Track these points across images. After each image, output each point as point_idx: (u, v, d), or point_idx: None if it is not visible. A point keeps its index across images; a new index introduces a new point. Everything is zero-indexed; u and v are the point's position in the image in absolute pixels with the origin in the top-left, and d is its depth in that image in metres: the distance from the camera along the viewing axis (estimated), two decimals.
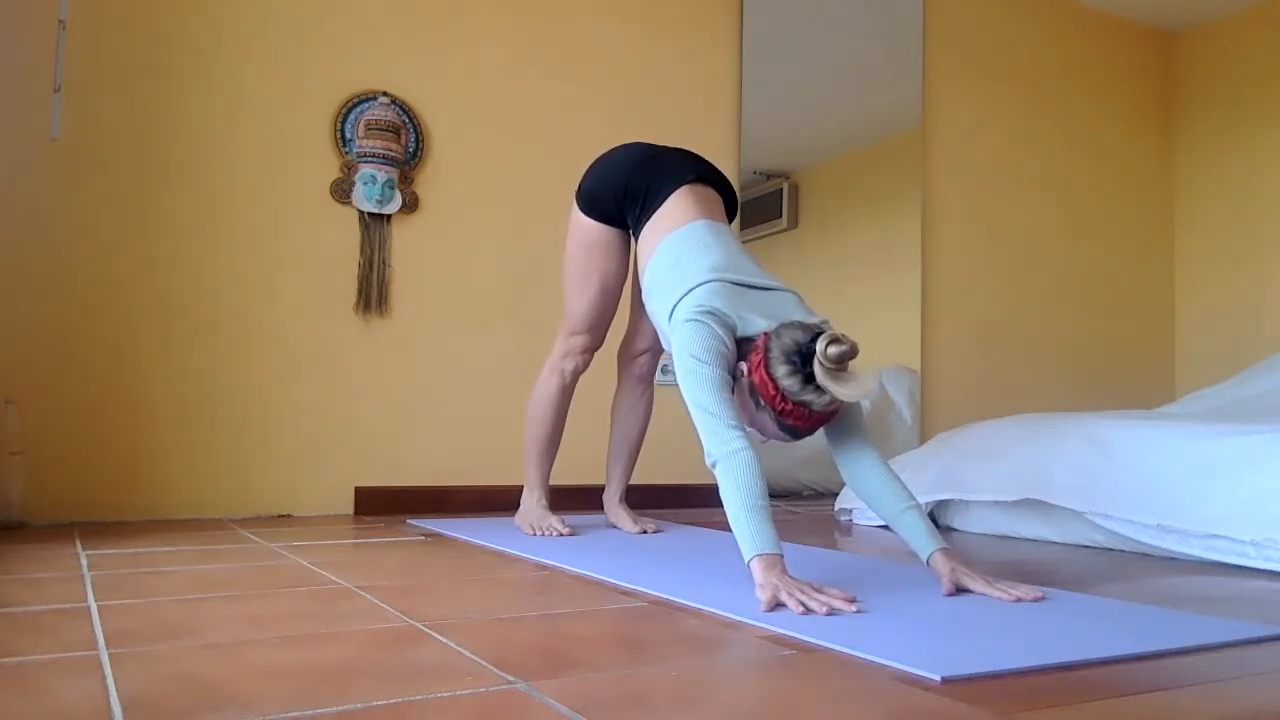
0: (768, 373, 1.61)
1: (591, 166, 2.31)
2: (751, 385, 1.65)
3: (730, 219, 2.26)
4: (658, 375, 2.58)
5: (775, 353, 1.61)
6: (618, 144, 2.36)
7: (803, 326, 1.64)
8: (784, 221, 3.69)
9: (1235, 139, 4.38)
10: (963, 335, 4.01)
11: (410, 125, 3.03)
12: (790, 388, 1.59)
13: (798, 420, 1.62)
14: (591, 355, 2.45)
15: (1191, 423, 2.35)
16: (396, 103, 3.01)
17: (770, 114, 3.63)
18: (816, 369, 1.55)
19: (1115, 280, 4.43)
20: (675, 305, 1.83)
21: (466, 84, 3.14)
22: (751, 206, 3.64)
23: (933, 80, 3.98)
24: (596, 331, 2.41)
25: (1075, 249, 4.33)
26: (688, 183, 2.13)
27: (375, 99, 2.98)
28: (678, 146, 2.33)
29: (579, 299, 2.36)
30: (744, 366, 1.69)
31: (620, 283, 2.37)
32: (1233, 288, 4.36)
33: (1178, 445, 2.23)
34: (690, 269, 1.88)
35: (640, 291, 2.15)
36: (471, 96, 3.14)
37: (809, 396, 1.58)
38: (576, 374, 2.45)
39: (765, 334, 1.67)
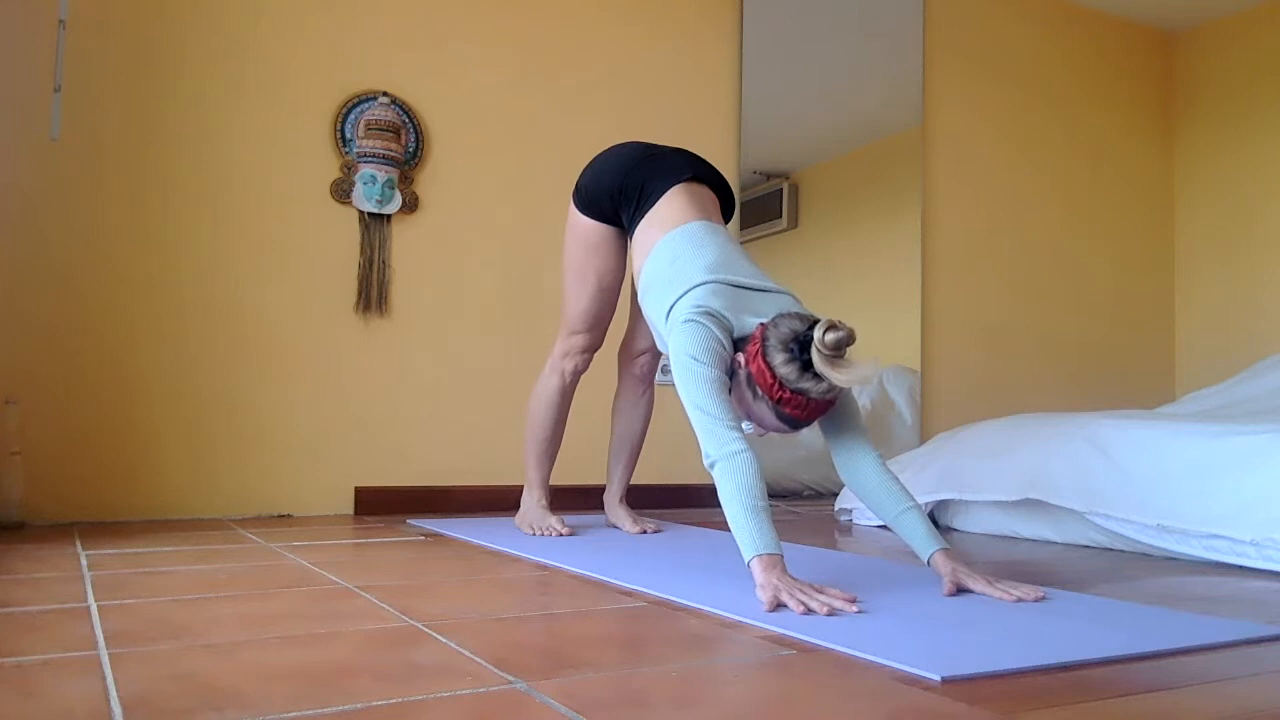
0: (765, 361, 1.61)
1: (588, 165, 2.31)
2: (749, 375, 1.65)
3: (727, 219, 2.26)
4: (658, 375, 2.58)
5: (772, 341, 1.61)
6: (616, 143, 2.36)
7: (800, 317, 1.65)
8: (784, 221, 3.69)
9: (1235, 139, 4.38)
10: (963, 335, 4.01)
11: (410, 125, 3.03)
12: (788, 375, 1.59)
13: (796, 409, 1.61)
14: (591, 355, 2.45)
15: (1191, 423, 2.35)
16: (396, 103, 3.01)
17: (770, 114, 3.63)
18: (814, 355, 1.55)
19: (1115, 280, 4.43)
20: (672, 306, 1.83)
21: (466, 84, 3.14)
22: (751, 206, 3.64)
23: (933, 80, 3.98)
24: (596, 331, 2.40)
25: (1075, 249, 4.33)
26: (683, 181, 2.13)
27: (375, 99, 2.98)
28: (676, 146, 2.32)
29: (577, 298, 2.36)
30: (741, 358, 1.69)
31: (618, 281, 2.37)
32: (1233, 288, 4.36)
33: (1178, 445, 2.23)
34: (687, 269, 1.87)
35: (637, 291, 2.15)
36: (471, 96, 3.14)
37: (806, 384, 1.58)
38: (577, 374, 2.44)
39: (762, 325, 1.67)
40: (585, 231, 2.30)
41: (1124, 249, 4.47)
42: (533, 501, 2.48)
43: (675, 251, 1.95)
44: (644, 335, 2.47)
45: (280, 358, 2.84)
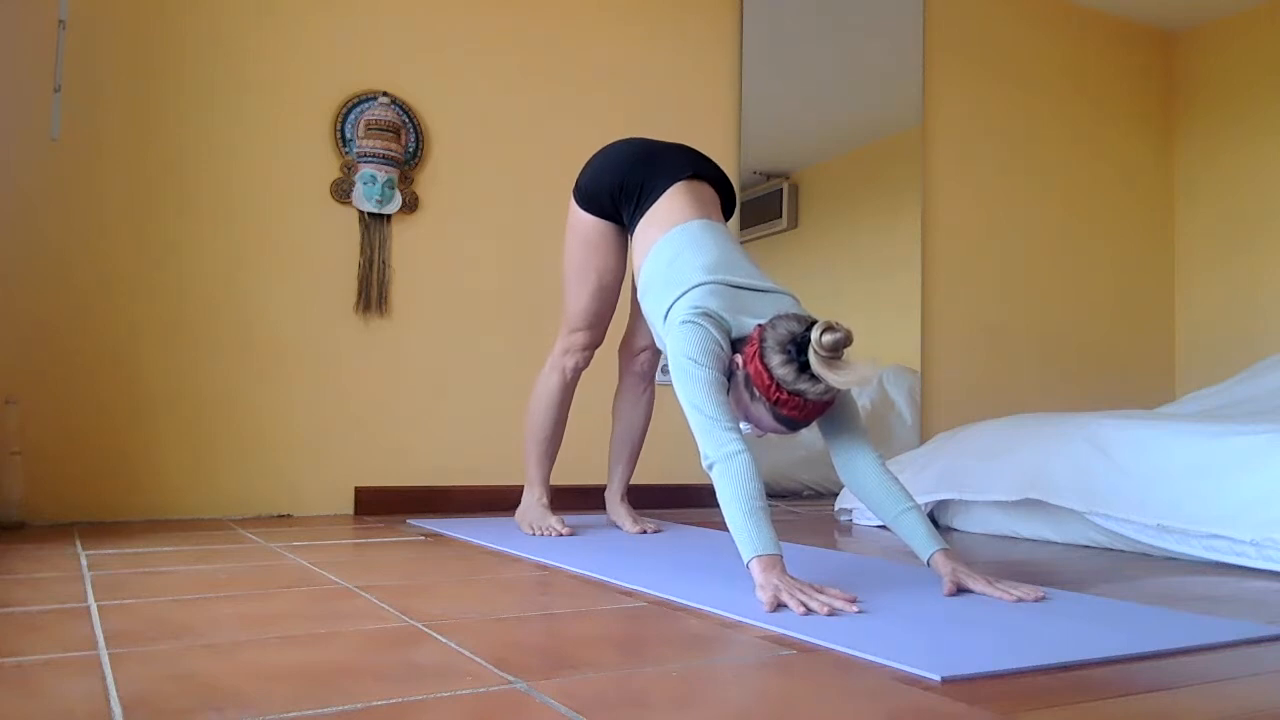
0: (762, 362, 1.61)
1: (589, 162, 2.30)
2: (746, 377, 1.65)
3: (728, 216, 2.25)
4: (658, 375, 2.58)
5: (770, 343, 1.61)
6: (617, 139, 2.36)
7: (797, 318, 1.64)
8: (784, 221, 3.69)
9: (1235, 139, 4.37)
10: (963, 335, 4.01)
11: (410, 125, 3.03)
12: (785, 376, 1.58)
13: (793, 410, 1.61)
14: (592, 352, 2.44)
15: (1192, 423, 2.35)
16: (396, 103, 3.01)
17: (770, 114, 3.63)
18: (811, 357, 1.55)
19: (1115, 280, 4.43)
20: (670, 306, 1.83)
21: (466, 84, 3.14)
22: (751, 206, 3.64)
23: (933, 80, 3.98)
24: (596, 329, 2.40)
25: (1075, 249, 4.33)
26: (684, 179, 2.12)
27: (375, 99, 2.98)
28: (678, 142, 2.32)
29: (577, 296, 2.35)
30: (738, 359, 1.69)
31: (618, 279, 2.37)
32: (1233, 288, 4.36)
33: (1178, 445, 2.23)
34: (686, 269, 1.87)
35: (637, 290, 2.15)
36: (471, 96, 3.14)
37: (804, 385, 1.58)
38: (577, 371, 2.43)
39: (760, 326, 1.67)
40: (586, 229, 2.29)
41: (1124, 249, 4.47)
42: (533, 500, 2.47)
43: (674, 251, 1.95)
44: (645, 333, 2.47)
45: (280, 358, 2.84)
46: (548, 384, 2.43)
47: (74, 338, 2.61)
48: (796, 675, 1.10)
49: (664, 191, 2.10)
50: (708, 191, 2.17)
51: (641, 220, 2.12)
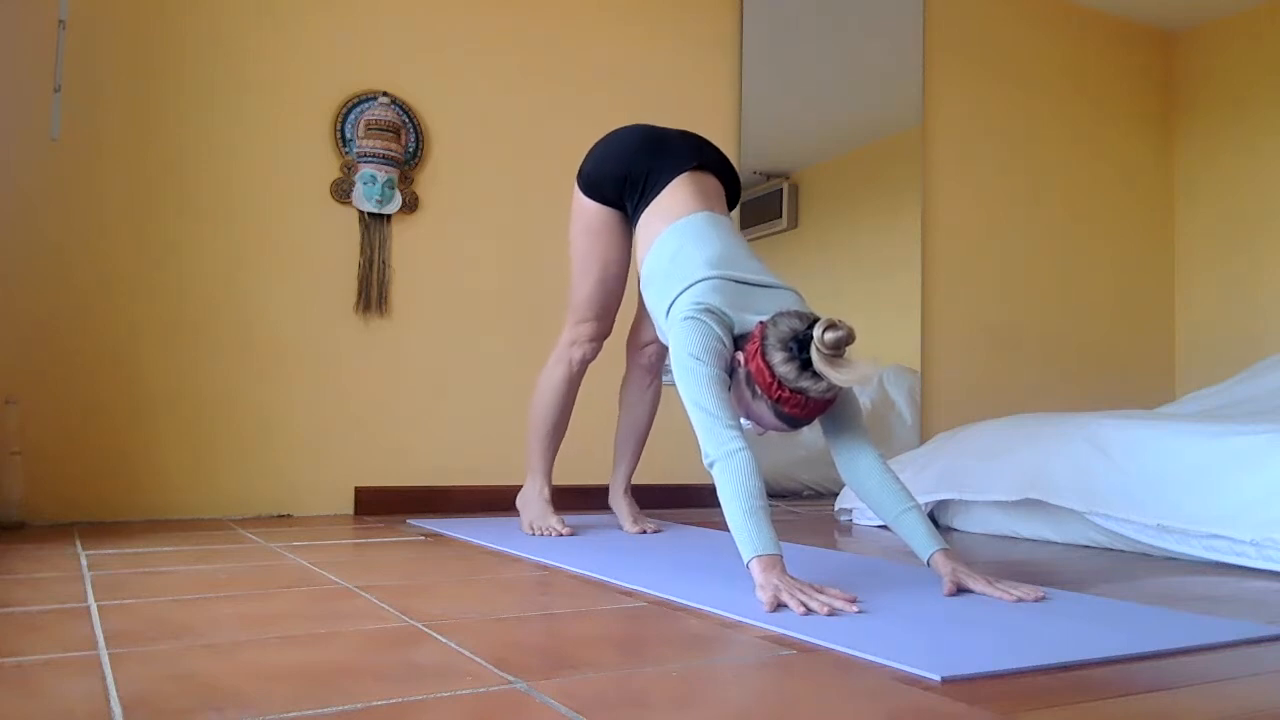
0: (764, 360, 1.60)
1: (593, 148, 2.28)
2: (748, 374, 1.65)
3: (732, 205, 2.24)
4: (662, 375, 2.57)
5: (772, 340, 1.61)
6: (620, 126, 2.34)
7: (799, 315, 1.64)
8: (784, 221, 3.69)
9: (1235, 139, 4.37)
10: (963, 335, 4.01)
11: (410, 125, 3.03)
12: (787, 374, 1.58)
13: (795, 409, 1.61)
14: (600, 344, 2.41)
15: (1191, 423, 2.35)
16: (396, 103, 3.01)
17: (770, 114, 3.63)
18: (813, 354, 1.55)
19: (1115, 280, 4.43)
20: (673, 301, 1.82)
21: (466, 84, 3.14)
22: (751, 206, 3.64)
23: (933, 80, 3.98)
24: (603, 319, 2.38)
25: (1075, 249, 4.33)
26: (688, 170, 2.12)
27: (375, 99, 2.98)
28: (681, 129, 2.29)
29: (582, 286, 2.33)
30: (740, 357, 1.68)
31: (624, 268, 2.34)
32: (1233, 288, 4.36)
33: (1178, 445, 2.23)
34: (689, 264, 1.86)
35: (640, 282, 2.14)
36: (471, 96, 3.14)
37: (806, 383, 1.58)
38: (584, 363, 2.40)
39: (762, 323, 1.66)
40: (589, 217, 2.27)
41: (1124, 249, 4.47)
42: (535, 492, 2.45)
43: (678, 245, 1.94)
44: (651, 326, 2.44)
45: (280, 358, 2.84)
46: (553, 376, 2.41)
47: (74, 338, 2.61)
48: (796, 675, 1.10)
49: (668, 183, 2.09)
50: (712, 182, 2.16)
51: (645, 212, 2.10)
